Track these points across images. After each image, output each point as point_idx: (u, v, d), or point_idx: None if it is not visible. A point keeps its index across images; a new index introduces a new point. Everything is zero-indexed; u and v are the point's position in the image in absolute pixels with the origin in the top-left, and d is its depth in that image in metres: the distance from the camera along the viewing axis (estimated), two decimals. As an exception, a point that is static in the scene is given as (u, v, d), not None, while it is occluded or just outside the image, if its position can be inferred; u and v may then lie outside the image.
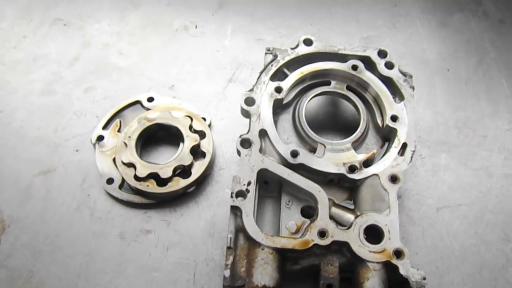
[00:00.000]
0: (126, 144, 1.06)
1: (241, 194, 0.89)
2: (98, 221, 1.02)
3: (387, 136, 1.02)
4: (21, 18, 1.31)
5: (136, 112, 1.15)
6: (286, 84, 1.02)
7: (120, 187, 1.05)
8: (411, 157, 0.95)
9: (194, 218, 1.03)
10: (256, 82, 1.01)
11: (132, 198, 1.03)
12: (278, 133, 1.00)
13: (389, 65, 1.05)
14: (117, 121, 1.13)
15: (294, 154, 0.94)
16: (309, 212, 0.94)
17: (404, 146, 0.96)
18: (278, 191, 0.96)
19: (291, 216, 0.94)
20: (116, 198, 1.04)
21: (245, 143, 0.94)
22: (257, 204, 0.92)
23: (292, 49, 1.06)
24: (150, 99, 1.16)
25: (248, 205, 0.88)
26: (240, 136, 0.94)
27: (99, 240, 0.99)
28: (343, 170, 0.94)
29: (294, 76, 1.04)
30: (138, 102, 1.16)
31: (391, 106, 1.01)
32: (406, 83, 1.03)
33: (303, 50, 1.06)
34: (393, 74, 1.04)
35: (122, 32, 1.30)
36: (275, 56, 1.05)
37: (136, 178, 1.02)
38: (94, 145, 1.10)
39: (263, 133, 0.96)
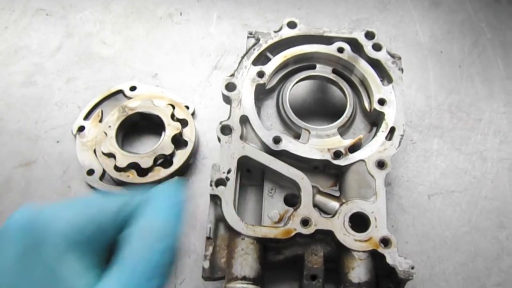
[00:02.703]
0: (106, 134, 1.03)
1: (220, 182, 0.86)
2: (78, 214, 0.99)
3: (375, 120, 0.98)
4: (1, 9, 1.28)
5: (119, 101, 1.12)
6: (268, 68, 0.98)
7: (101, 178, 1.02)
8: (400, 141, 0.91)
9: (176, 209, 0.99)
10: (238, 67, 0.98)
11: (113, 190, 1.00)
12: (262, 119, 0.97)
13: (377, 47, 1.00)
14: (98, 111, 1.10)
15: (277, 140, 0.91)
16: (293, 200, 0.90)
17: (392, 130, 0.92)
18: (261, 179, 0.93)
19: (274, 204, 0.90)
20: (97, 189, 1.01)
21: (225, 129, 0.91)
22: (239, 193, 0.89)
23: (276, 32, 1.02)
24: (133, 88, 1.13)
25: (228, 194, 0.85)
26: (220, 123, 0.91)
27: (79, 233, 0.97)
28: (327, 156, 0.90)
29: (277, 60, 1.00)
30: (120, 91, 1.13)
31: (378, 89, 0.97)
32: (394, 65, 0.99)
33: (287, 33, 1.02)
34: (381, 56, 1.00)
35: (105, 21, 1.27)
36: (258, 40, 1.01)
37: (116, 168, 0.99)
38: (75, 136, 1.07)
39: (244, 119, 0.93)
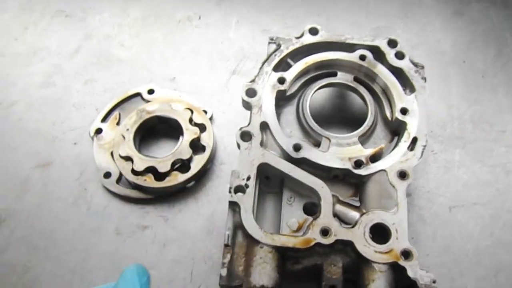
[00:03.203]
0: (124, 137, 1.02)
1: (240, 189, 0.85)
2: (94, 216, 0.98)
3: (396, 130, 0.96)
4: (22, 9, 1.29)
5: (136, 104, 1.11)
6: (289, 75, 0.97)
7: (118, 181, 1.01)
8: (422, 152, 0.89)
9: (193, 215, 0.99)
10: (258, 73, 0.97)
11: (129, 193, 1.00)
12: (281, 126, 0.96)
13: (400, 55, 0.99)
14: (116, 113, 1.10)
15: (297, 148, 0.89)
16: (312, 209, 0.89)
17: (414, 140, 0.90)
18: (280, 186, 0.91)
19: (293, 213, 0.89)
20: (113, 192, 1.00)
21: (245, 136, 0.90)
22: (258, 200, 0.88)
23: (297, 38, 1.01)
24: (151, 91, 1.13)
25: (247, 201, 0.84)
26: (240, 129, 0.90)
27: (95, 236, 0.96)
28: (348, 165, 0.88)
29: (298, 66, 0.99)
30: (138, 94, 1.13)
31: (401, 98, 0.95)
32: (417, 74, 0.97)
33: (308, 39, 1.01)
34: (404, 64, 0.98)
35: (124, 23, 1.27)
36: (279, 46, 1.00)
37: (134, 172, 0.99)
38: (92, 138, 1.07)
39: (264, 126, 0.91)
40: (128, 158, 1.00)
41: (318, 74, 1.01)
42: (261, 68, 0.97)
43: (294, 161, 0.89)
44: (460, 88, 1.13)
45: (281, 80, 0.96)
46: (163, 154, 1.02)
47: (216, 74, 1.17)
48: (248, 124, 0.91)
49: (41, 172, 1.04)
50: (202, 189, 1.01)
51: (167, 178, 0.98)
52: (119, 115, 1.10)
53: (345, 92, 1.09)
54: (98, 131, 1.07)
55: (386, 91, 0.98)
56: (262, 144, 0.90)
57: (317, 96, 1.03)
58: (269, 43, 1.02)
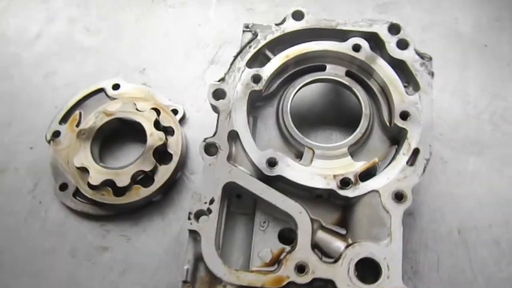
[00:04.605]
0: (80, 144, 0.89)
1: (201, 214, 0.72)
2: (48, 235, 0.88)
3: (396, 136, 0.80)
4: (-22, -11, 1.15)
5: (100, 102, 0.98)
6: (266, 71, 0.81)
7: (75, 194, 0.89)
8: (424, 168, 0.73)
9: (158, 234, 0.87)
10: (229, 69, 0.81)
11: (87, 209, 0.88)
12: (259, 132, 0.82)
13: (403, 44, 0.81)
14: (76, 113, 0.97)
15: (272, 163, 0.75)
16: (290, 236, 0.75)
17: (415, 152, 0.74)
18: (254, 207, 0.78)
19: (267, 240, 0.75)
20: (70, 207, 0.89)
21: (211, 148, 0.76)
22: (226, 224, 0.75)
23: (277, 25, 0.84)
24: (116, 87, 0.99)
25: (209, 229, 0.71)
26: (205, 140, 0.76)
27: (48, 258, 0.86)
28: (333, 185, 0.73)
29: (277, 60, 0.82)
30: (101, 90, 0.99)
31: (401, 98, 0.78)
32: (423, 67, 0.79)
33: (291, 26, 0.84)
34: (407, 56, 0.80)
35: (91, 3, 1.11)
36: (255, 35, 0.83)
37: (90, 186, 0.86)
38: (49, 142, 0.94)
39: (233, 136, 0.77)
40: (84, 169, 0.87)
41: (302, 68, 0.84)
42: (232, 63, 0.81)
43: (269, 178, 0.75)
44: (479, 78, 0.95)
45: (256, 78, 0.80)
46: (129, 160, 0.89)
47: (192, 64, 1.02)
48: (214, 134, 0.76)
49: (-7, 181, 0.93)
50: (170, 204, 0.89)
51: (127, 193, 0.86)
52: (80, 114, 0.97)
53: (340, 88, 0.92)
54: (56, 134, 0.95)
55: (384, 89, 0.81)
56: (230, 158, 0.75)
57: (306, 92, 0.88)
58: (244, 31, 0.85)
